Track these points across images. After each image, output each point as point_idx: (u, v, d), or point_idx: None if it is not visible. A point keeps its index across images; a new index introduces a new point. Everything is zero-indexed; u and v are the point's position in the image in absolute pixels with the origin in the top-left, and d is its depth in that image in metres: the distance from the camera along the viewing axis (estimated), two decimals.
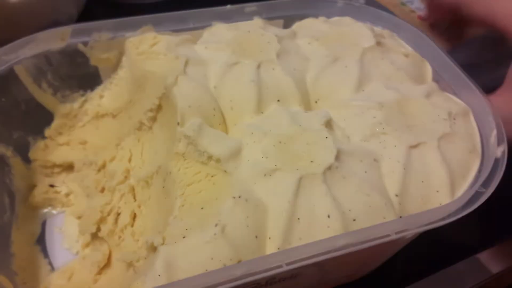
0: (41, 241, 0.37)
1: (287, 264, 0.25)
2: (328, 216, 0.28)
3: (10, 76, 0.36)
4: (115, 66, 0.41)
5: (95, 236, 0.35)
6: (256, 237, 0.27)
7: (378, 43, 0.38)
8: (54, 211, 0.39)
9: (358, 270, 0.35)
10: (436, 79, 0.39)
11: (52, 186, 0.40)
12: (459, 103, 0.36)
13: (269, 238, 0.27)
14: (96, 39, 0.39)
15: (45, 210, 0.39)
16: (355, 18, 0.43)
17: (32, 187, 0.39)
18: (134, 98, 0.39)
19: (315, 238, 0.27)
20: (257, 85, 0.34)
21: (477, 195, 0.29)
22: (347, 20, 0.42)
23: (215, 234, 0.26)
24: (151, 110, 0.36)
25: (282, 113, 0.33)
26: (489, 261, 0.41)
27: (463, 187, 0.31)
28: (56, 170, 0.40)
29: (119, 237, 0.34)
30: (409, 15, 0.55)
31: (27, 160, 0.39)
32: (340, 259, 0.27)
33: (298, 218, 0.28)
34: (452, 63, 0.38)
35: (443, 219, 0.28)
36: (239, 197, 0.28)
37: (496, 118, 0.33)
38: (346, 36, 0.39)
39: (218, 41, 0.38)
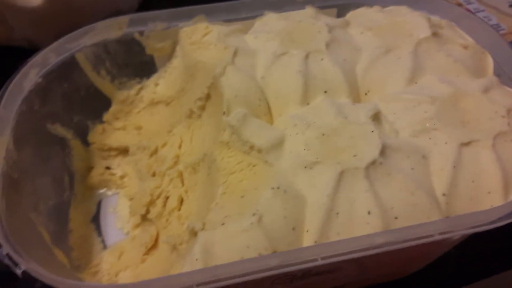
0: (95, 220, 0.39)
1: (323, 259, 0.25)
2: (369, 213, 0.27)
3: (71, 64, 0.39)
4: (170, 55, 0.42)
5: (144, 218, 0.37)
6: (293, 229, 0.27)
7: (435, 34, 0.36)
8: (109, 192, 0.41)
9: (401, 270, 0.35)
10: (498, 72, 0.36)
11: (108, 168, 0.42)
12: None
13: (307, 231, 0.28)
14: (152, 29, 0.40)
15: (101, 191, 0.41)
16: (412, 7, 0.41)
17: (89, 168, 0.41)
18: (186, 87, 0.40)
19: (354, 234, 0.27)
20: (303, 76, 0.34)
21: None
22: (403, 9, 0.40)
23: (252, 223, 0.26)
24: (200, 99, 0.37)
25: (328, 105, 0.33)
26: None
27: None
28: (112, 153, 0.43)
29: (167, 220, 0.36)
30: None
31: (86, 143, 0.42)
32: (380, 257, 0.27)
33: (337, 213, 0.27)
34: None
35: (493, 222, 0.27)
36: (278, 188, 0.28)
37: None
38: (401, 26, 0.37)
39: (268, 31, 0.38)
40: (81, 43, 0.39)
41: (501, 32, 0.50)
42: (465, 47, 0.37)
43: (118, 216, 0.39)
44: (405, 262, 0.33)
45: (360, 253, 0.25)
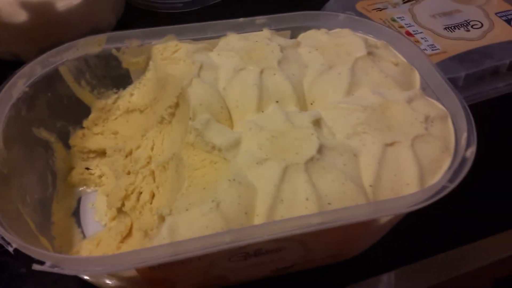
0: (76, 214, 0.44)
1: (269, 235, 0.30)
2: (307, 199, 0.33)
3: (55, 75, 0.43)
4: (144, 69, 0.47)
5: (120, 210, 0.42)
6: (246, 213, 0.33)
7: (370, 53, 0.43)
8: (88, 190, 0.46)
9: (341, 252, 0.40)
10: (423, 86, 0.43)
11: (87, 168, 0.47)
12: (439, 107, 0.40)
13: (257, 215, 0.33)
14: (127, 46, 0.45)
15: (81, 189, 0.46)
16: (355, 30, 0.47)
17: (70, 169, 0.46)
18: (158, 96, 0.45)
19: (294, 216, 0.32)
20: (258, 88, 0.40)
21: (442, 189, 0.34)
22: (345, 31, 0.46)
23: (211, 208, 0.32)
24: (170, 107, 0.42)
25: (278, 112, 0.38)
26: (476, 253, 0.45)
27: (432, 182, 0.36)
28: (91, 155, 0.47)
29: (140, 212, 0.41)
30: (398, 31, 0.59)
31: (67, 146, 0.46)
32: (318, 237, 0.33)
33: (282, 200, 0.33)
34: (436, 72, 0.42)
35: (409, 207, 0.33)
36: (234, 180, 0.33)
37: (468, 121, 0.38)
38: (342, 46, 0.44)
39: (230, 49, 0.43)
40: (64, 57, 0.44)
41: (436, 51, 0.58)
42: (396, 64, 0.44)
43: (96, 210, 0.44)
44: (344, 244, 0.39)
45: (299, 231, 0.30)
